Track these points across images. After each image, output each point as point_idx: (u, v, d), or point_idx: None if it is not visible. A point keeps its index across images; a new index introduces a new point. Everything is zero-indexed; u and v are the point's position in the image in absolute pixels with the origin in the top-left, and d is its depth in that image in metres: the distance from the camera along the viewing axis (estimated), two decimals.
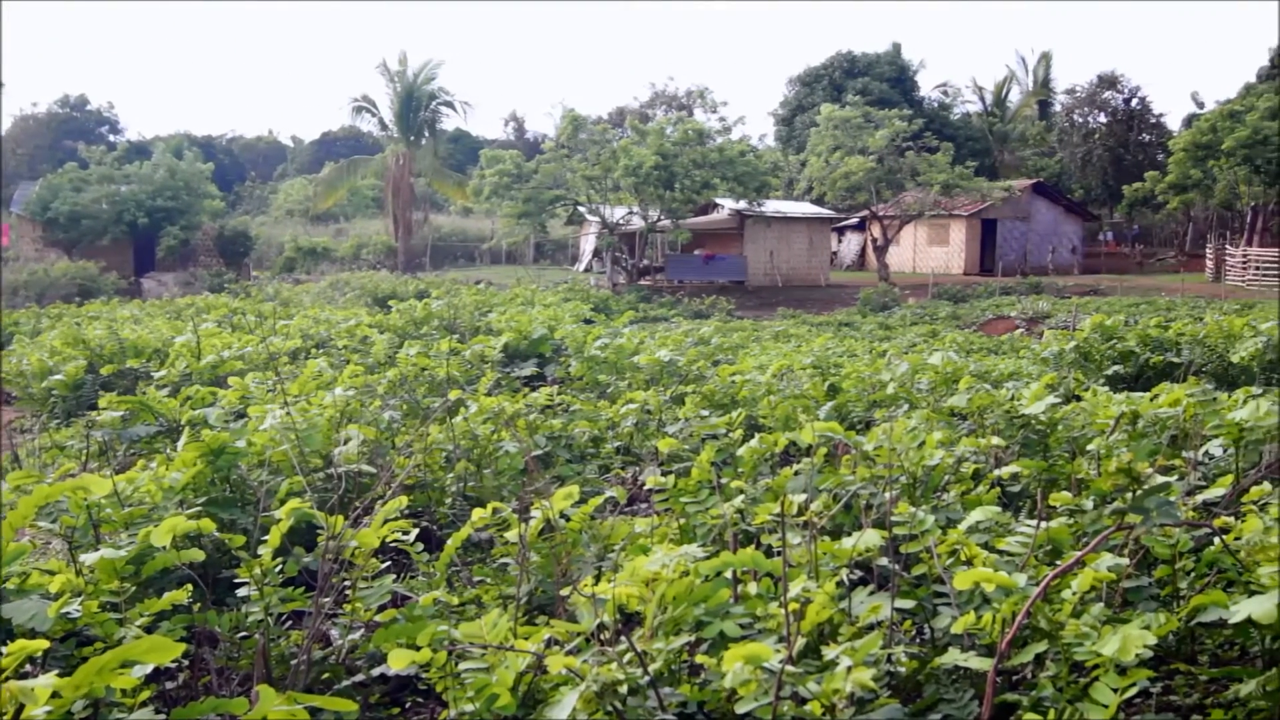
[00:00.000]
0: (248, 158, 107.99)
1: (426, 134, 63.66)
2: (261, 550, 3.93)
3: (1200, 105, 71.29)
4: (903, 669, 3.27)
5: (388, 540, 4.08)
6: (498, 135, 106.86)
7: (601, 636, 3.21)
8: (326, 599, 3.89)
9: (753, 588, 3.47)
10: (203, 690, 4.00)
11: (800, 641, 2.98)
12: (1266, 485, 4.00)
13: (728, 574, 3.40)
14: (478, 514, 4.17)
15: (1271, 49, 69.25)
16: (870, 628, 3.25)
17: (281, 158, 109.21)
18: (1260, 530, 3.40)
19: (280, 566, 4.04)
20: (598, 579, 3.43)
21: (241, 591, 4.00)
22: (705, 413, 7.20)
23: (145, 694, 3.12)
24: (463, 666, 3.13)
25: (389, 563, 4.72)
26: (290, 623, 4.41)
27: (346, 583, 4.01)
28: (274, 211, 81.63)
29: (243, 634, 4.02)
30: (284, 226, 72.52)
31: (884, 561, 3.67)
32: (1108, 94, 69.39)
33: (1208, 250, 54.08)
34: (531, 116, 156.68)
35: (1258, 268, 48.44)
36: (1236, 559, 3.48)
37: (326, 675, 3.90)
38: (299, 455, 5.68)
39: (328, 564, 3.89)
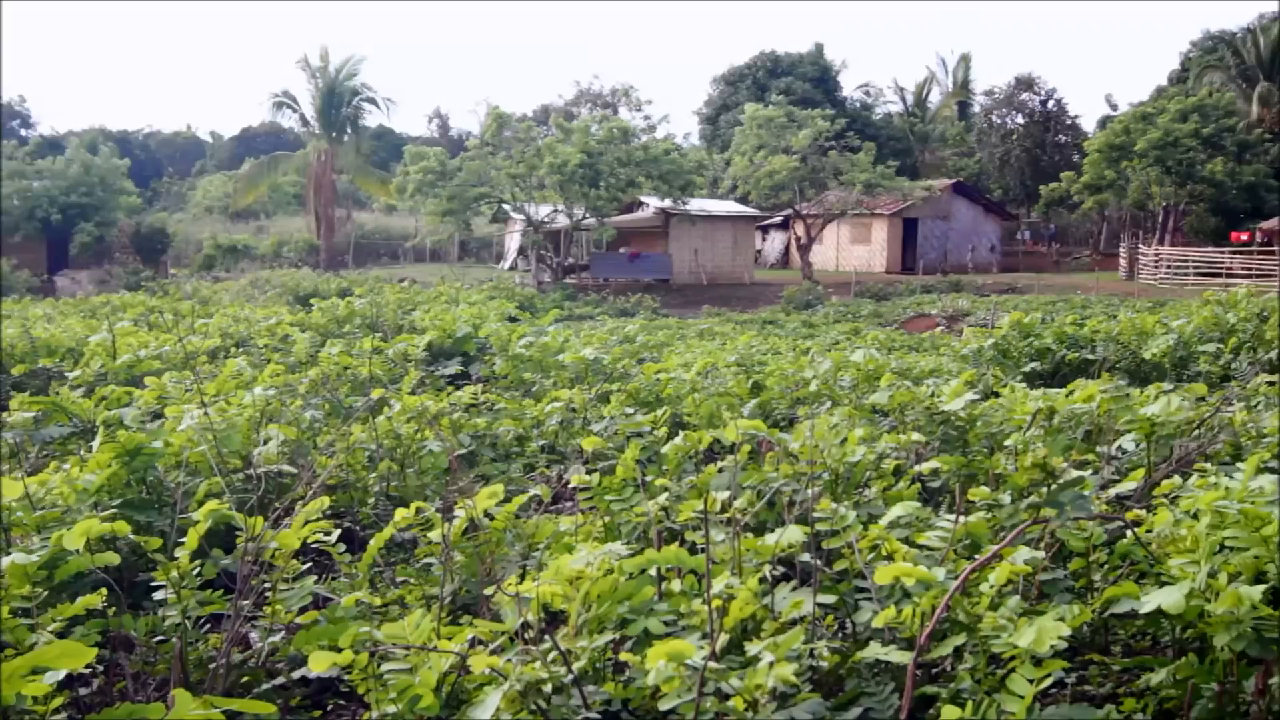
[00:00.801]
0: (165, 153, 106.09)
1: (349, 130, 62.95)
2: (179, 553, 3.86)
3: (1114, 107, 73.00)
4: (825, 664, 3.30)
5: (309, 541, 4.04)
6: (422, 132, 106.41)
7: (525, 635, 3.20)
8: (246, 601, 3.84)
9: (677, 585, 3.49)
10: (118, 696, 3.93)
11: (723, 638, 2.99)
12: (1177, 479, 4.09)
13: (652, 571, 3.42)
14: (401, 514, 4.14)
15: (1182, 53, 71.02)
16: (793, 623, 3.28)
17: (200, 153, 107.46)
18: (1170, 523, 3.47)
19: (198, 569, 3.97)
20: (522, 578, 3.42)
21: (158, 595, 3.93)
22: (630, 411, 7.21)
23: (58, 701, 3.06)
24: (385, 668, 3.10)
25: (310, 564, 4.66)
26: (209, 626, 4.34)
27: (266, 585, 3.95)
28: (192, 208, 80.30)
29: (159, 638, 3.95)
30: (203, 224, 71.36)
31: (806, 557, 3.70)
32: (1025, 95, 70.58)
33: (1121, 249, 55.27)
34: (456, 114, 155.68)
35: (1169, 266, 49.65)
36: (1148, 551, 3.56)
37: (246, 679, 3.85)
38: (217, 456, 5.59)
39: (247, 566, 3.84)
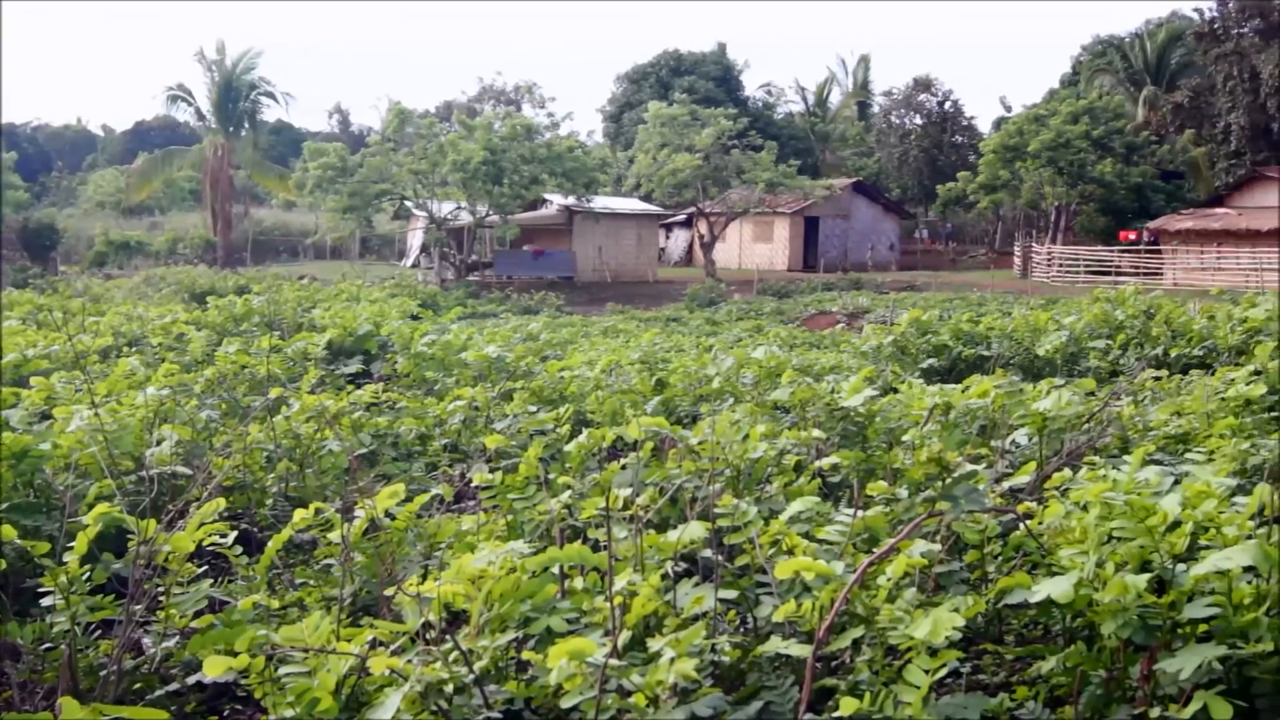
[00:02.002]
0: (54, 147, 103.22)
1: (246, 125, 61.76)
2: (67, 557, 3.76)
3: (1008, 109, 74.71)
4: (726, 658, 3.32)
5: (204, 544, 3.95)
6: (322, 127, 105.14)
7: (427, 636, 3.18)
8: (138, 606, 3.75)
9: (579, 582, 3.49)
10: (4, 706, 3.82)
11: (625, 635, 3.00)
12: (1067, 471, 4.20)
13: (554, 569, 3.41)
14: (300, 515, 4.07)
15: (1073, 56, 72.91)
16: (695, 619, 3.29)
17: (91, 147, 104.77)
18: (1061, 515, 3.56)
19: (88, 574, 3.87)
20: (424, 578, 3.39)
21: (46, 601, 3.82)
22: (533, 409, 7.18)
23: None
24: (283, 671, 3.05)
25: (206, 567, 4.57)
26: (99, 632, 4.23)
27: (160, 589, 3.87)
28: (83, 204, 78.21)
29: (47, 645, 3.84)
30: (94, 219, 69.51)
31: (708, 553, 3.73)
32: (923, 97, 71.80)
33: (1016, 248, 56.50)
34: (356, 109, 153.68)
35: (1061, 264, 50.91)
36: (1039, 542, 3.65)
37: (139, 685, 3.76)
38: (108, 457, 5.45)
39: (139, 570, 3.75)
